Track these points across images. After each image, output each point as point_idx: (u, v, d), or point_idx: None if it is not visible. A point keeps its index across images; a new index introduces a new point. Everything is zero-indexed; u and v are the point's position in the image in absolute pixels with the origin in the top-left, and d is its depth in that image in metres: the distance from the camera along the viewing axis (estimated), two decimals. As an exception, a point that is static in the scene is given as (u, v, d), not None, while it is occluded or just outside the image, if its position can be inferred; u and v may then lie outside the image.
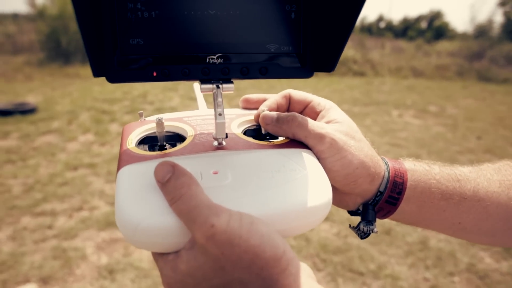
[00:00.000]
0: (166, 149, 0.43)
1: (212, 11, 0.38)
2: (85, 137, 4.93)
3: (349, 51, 14.49)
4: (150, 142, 0.46)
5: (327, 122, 0.45)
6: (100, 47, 0.38)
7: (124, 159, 0.39)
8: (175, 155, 0.40)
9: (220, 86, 0.41)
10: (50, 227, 2.90)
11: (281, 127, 0.44)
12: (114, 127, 5.26)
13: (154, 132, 0.45)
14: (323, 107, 0.47)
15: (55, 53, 11.21)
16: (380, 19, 37.96)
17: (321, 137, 0.42)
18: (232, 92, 0.43)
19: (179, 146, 0.42)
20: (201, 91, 0.42)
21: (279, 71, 0.43)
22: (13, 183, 3.54)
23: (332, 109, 0.47)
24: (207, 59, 0.40)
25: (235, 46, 0.41)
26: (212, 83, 0.41)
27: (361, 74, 12.21)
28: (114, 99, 6.70)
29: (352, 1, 0.37)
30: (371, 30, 34.96)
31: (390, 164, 0.48)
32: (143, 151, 0.41)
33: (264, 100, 0.51)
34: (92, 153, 4.34)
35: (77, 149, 4.46)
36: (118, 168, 0.39)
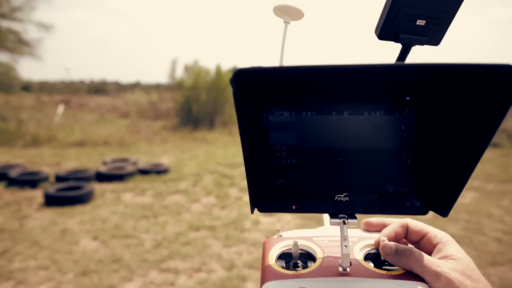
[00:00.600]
0: (299, 267, 0.50)
1: (340, 159, 0.49)
2: (207, 199, 5.33)
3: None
4: (286, 257, 0.53)
5: (443, 257, 0.47)
6: (255, 185, 0.49)
7: (267, 274, 0.48)
8: (307, 277, 0.47)
9: (346, 221, 0.49)
10: (172, 284, 3.12)
11: (399, 259, 0.47)
12: (234, 192, 5.60)
13: (290, 249, 0.53)
14: (440, 240, 0.49)
15: (187, 119, 12.69)
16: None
17: (437, 275, 0.43)
18: (356, 226, 0.50)
19: (311, 268, 0.49)
20: (330, 224, 0.50)
21: (397, 208, 0.50)
22: (146, 238, 3.96)
23: (448, 243, 0.48)
24: (336, 197, 0.49)
25: (359, 186, 0.50)
26: (340, 218, 0.49)
27: (494, 145, 10.98)
28: (235, 164, 7.20)
29: (468, 156, 0.41)
30: None
31: None
32: (281, 268, 0.49)
33: (383, 224, 0.54)
34: (212, 215, 4.66)
35: (200, 211, 4.84)
36: (262, 282, 0.47)
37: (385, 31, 0.53)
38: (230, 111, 12.97)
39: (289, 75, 0.45)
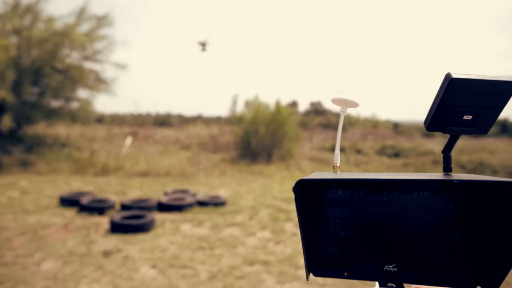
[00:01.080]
0: None
1: (390, 233, 0.53)
2: (263, 233, 5.33)
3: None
4: None
5: None
6: (311, 254, 0.55)
7: None
8: None
9: None
10: (226, 319, 3.12)
11: None
12: (289, 227, 5.56)
13: None
14: None
15: (245, 152, 12.96)
16: None
17: None
18: None
19: None
20: None
21: (444, 281, 0.52)
22: (201, 269, 4.02)
23: None
24: (385, 267, 0.53)
25: (407, 258, 0.53)
26: (388, 287, 0.53)
27: None
28: (291, 199, 7.16)
29: (504, 229, 0.46)
30: None
31: None
32: None
33: None
34: (267, 250, 4.64)
35: (255, 245, 4.84)
36: None
37: (433, 124, 0.57)
38: (288, 145, 13.06)
39: (343, 181, 0.53)
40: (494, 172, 10.94)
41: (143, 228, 5.15)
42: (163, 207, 6.31)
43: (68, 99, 14.93)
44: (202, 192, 8.02)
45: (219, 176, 10.66)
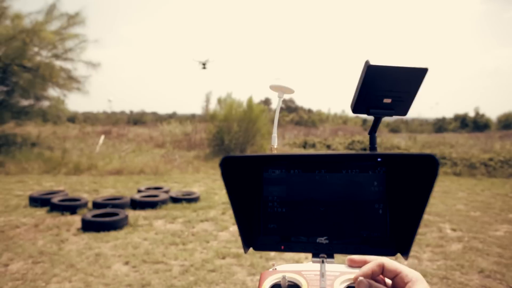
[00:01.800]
0: None
1: (322, 208, 0.60)
2: (235, 227, 5.41)
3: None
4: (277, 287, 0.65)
5: None
6: (248, 229, 0.61)
7: None
8: None
9: (324, 260, 0.59)
10: (197, 310, 3.19)
11: None
12: (261, 221, 5.67)
13: (280, 281, 0.64)
14: (410, 279, 0.56)
15: (219, 149, 13.01)
16: None
17: None
18: (333, 261, 0.61)
19: None
20: (312, 262, 0.61)
21: (369, 250, 0.60)
22: (174, 264, 4.07)
23: (418, 282, 0.56)
24: (317, 240, 0.60)
25: (337, 231, 0.60)
26: (319, 257, 0.60)
27: None
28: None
29: (416, 210, 0.52)
30: None
31: None
32: None
33: (365, 261, 0.63)
34: (239, 243, 4.72)
35: (227, 239, 4.93)
36: None
37: (358, 107, 0.65)
38: (261, 141, 13.18)
39: (275, 157, 0.58)
40: (455, 165, 11.43)
41: (116, 225, 5.14)
42: (136, 205, 6.30)
43: (39, 98, 14.53)
44: (176, 189, 8.02)
45: (193, 173, 10.67)
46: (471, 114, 35.88)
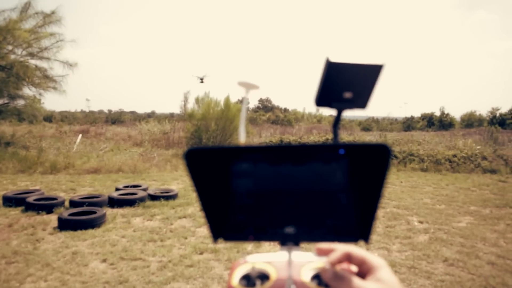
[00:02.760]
0: (256, 285, 0.64)
1: (288, 199, 0.62)
2: (213, 224, 5.49)
3: (477, 146, 13.38)
4: (247, 279, 0.66)
5: (375, 281, 0.57)
6: (217, 221, 0.62)
7: None
8: None
9: (291, 249, 0.63)
10: (174, 304, 3.27)
11: (336, 283, 0.58)
12: (238, 217, 5.76)
13: (250, 272, 0.68)
14: (374, 265, 0.59)
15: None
16: (516, 109, 33.72)
17: None
18: (300, 250, 0.65)
19: (264, 286, 0.63)
20: (280, 251, 0.64)
21: (334, 238, 0.63)
22: (152, 260, 4.12)
23: (382, 269, 0.59)
24: (285, 229, 0.62)
25: (303, 221, 0.63)
26: (287, 245, 0.63)
27: (492, 171, 10.98)
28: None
29: (373, 198, 0.57)
30: (504, 122, 31.79)
31: None
32: (241, 286, 0.63)
33: (332, 250, 0.65)
34: (216, 239, 4.80)
35: (205, 234, 4.99)
36: None
37: (321, 101, 0.69)
38: (238, 140, 13.26)
39: (241, 150, 0.60)
40: (422, 161, 11.85)
41: (93, 223, 5.14)
42: (114, 203, 6.29)
43: (13, 97, 14.18)
44: (154, 187, 8.03)
45: (171, 171, 10.66)
46: (437, 113, 36.90)
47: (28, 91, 14.43)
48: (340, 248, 0.62)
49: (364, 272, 0.58)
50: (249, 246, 4.52)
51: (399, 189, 8.50)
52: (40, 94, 14.58)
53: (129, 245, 4.53)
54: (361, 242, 0.61)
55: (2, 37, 12.28)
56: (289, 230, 0.61)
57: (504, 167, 11.11)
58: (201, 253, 4.33)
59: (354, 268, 0.61)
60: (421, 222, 5.73)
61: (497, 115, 33.98)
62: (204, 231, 5.15)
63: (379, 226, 5.56)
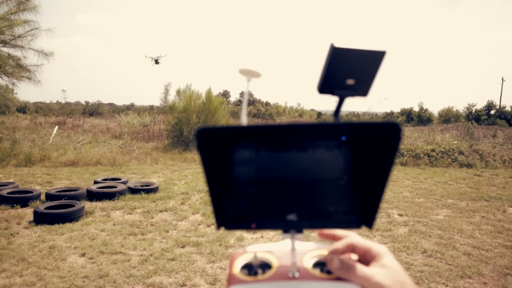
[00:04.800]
0: (258, 274, 0.62)
1: (290, 186, 0.62)
2: (195, 217, 5.45)
3: (454, 141, 13.74)
4: (248, 267, 0.65)
5: (380, 266, 0.58)
6: (222, 208, 0.62)
7: (231, 280, 0.61)
8: (263, 282, 0.59)
9: (294, 236, 0.61)
10: (156, 298, 3.22)
11: (343, 272, 0.58)
12: (220, 210, 5.73)
13: (252, 260, 0.66)
14: (378, 253, 0.60)
15: (178, 140, 12.88)
16: (490, 106, 34.76)
17: (370, 280, 0.56)
18: (302, 236, 0.63)
19: (267, 275, 0.62)
20: (282, 238, 0.63)
21: (336, 224, 0.63)
22: (133, 254, 4.06)
23: (385, 256, 0.59)
24: (287, 217, 0.62)
25: (306, 208, 0.62)
26: (290, 232, 0.62)
27: (468, 165, 11.34)
28: (223, 183, 7.32)
29: (379, 184, 0.56)
30: (479, 118, 32.63)
31: None
32: (243, 275, 0.62)
33: (334, 235, 0.66)
34: (198, 232, 4.77)
35: (187, 228, 4.95)
36: (228, 286, 0.59)
37: (323, 87, 0.66)
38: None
39: (247, 129, 0.58)
40: (401, 155, 12.11)
41: (71, 217, 5.01)
42: (93, 196, 6.15)
43: (-17, 86, 13.66)
44: (134, 180, 7.90)
45: (152, 164, 10.51)
46: (416, 109, 37.63)
47: (0, 80, 13.90)
48: (344, 236, 0.63)
49: (368, 260, 0.59)
50: (232, 239, 4.50)
51: (379, 182, 8.64)
52: (13, 84, 14.02)
53: (109, 239, 4.44)
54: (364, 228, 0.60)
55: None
56: (292, 217, 0.61)
57: (479, 162, 11.48)
58: (183, 247, 4.29)
59: (354, 257, 0.61)
60: (401, 215, 5.84)
61: (473, 111, 34.93)
62: (185, 224, 5.11)
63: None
